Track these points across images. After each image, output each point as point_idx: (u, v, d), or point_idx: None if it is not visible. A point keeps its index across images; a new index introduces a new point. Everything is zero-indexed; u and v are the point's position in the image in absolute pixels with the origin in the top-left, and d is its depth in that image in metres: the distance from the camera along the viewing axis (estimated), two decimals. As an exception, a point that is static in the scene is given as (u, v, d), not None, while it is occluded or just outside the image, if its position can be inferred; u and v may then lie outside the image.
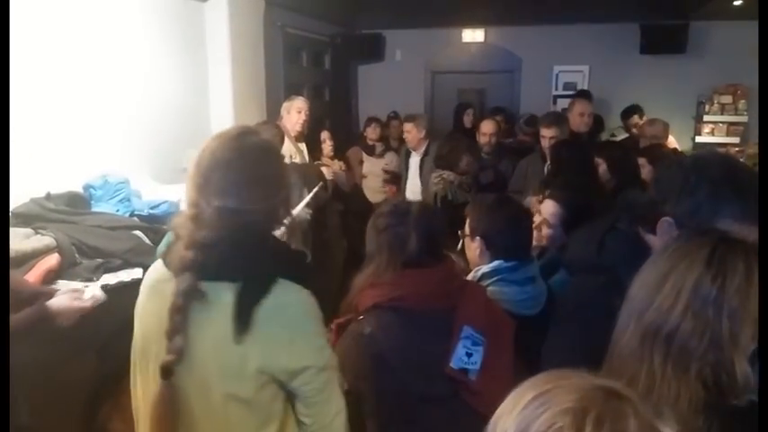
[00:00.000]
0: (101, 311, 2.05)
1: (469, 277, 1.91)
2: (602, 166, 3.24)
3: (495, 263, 1.88)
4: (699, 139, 6.20)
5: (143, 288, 1.34)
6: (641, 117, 5.27)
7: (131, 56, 3.53)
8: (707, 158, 1.34)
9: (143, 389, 1.32)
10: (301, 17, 5.62)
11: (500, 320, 1.64)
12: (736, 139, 6.11)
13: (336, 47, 6.47)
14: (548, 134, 3.65)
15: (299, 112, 4.11)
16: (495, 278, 1.86)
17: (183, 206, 1.30)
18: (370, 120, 5.46)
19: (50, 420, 2.08)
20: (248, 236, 1.22)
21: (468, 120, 5.71)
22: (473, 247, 1.94)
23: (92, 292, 1.98)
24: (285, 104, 4.22)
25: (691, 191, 1.21)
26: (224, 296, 1.18)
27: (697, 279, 0.89)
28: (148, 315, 1.30)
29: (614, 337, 0.98)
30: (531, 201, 2.95)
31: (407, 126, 4.69)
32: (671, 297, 0.90)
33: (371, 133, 5.31)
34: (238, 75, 4.34)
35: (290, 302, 1.23)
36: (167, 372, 1.18)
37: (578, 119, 3.95)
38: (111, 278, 2.53)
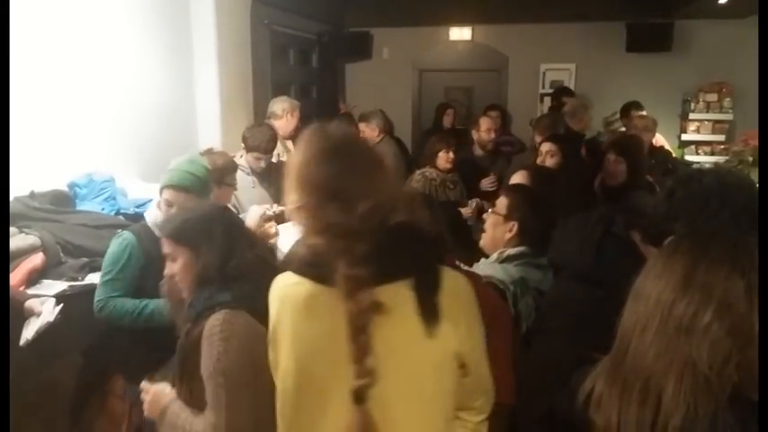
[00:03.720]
0: (87, 312, 2.01)
1: (494, 257, 1.99)
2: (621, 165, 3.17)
3: (522, 248, 1.97)
4: (684, 136, 6.26)
5: (287, 309, 1.21)
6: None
7: (117, 53, 3.48)
8: (731, 183, 1.22)
9: (299, 417, 1.23)
10: (288, 15, 5.58)
11: (497, 308, 1.66)
12: (721, 137, 6.16)
13: (324, 45, 6.44)
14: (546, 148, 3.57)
15: (297, 117, 4.10)
16: (521, 260, 1.95)
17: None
18: (343, 116, 5.33)
19: (36, 421, 2.06)
20: (397, 231, 1.19)
21: (448, 120, 5.71)
22: (503, 229, 2.01)
23: (48, 308, 1.76)
24: (283, 106, 4.12)
25: (710, 215, 1.14)
26: (399, 296, 1.14)
27: (727, 275, 0.88)
28: (307, 337, 1.19)
29: (625, 335, 0.96)
30: None
31: (361, 126, 4.63)
32: (701, 293, 0.89)
33: None
34: (225, 73, 4.31)
35: (460, 287, 1.22)
36: (362, 397, 1.11)
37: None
38: (96, 278, 2.47)
